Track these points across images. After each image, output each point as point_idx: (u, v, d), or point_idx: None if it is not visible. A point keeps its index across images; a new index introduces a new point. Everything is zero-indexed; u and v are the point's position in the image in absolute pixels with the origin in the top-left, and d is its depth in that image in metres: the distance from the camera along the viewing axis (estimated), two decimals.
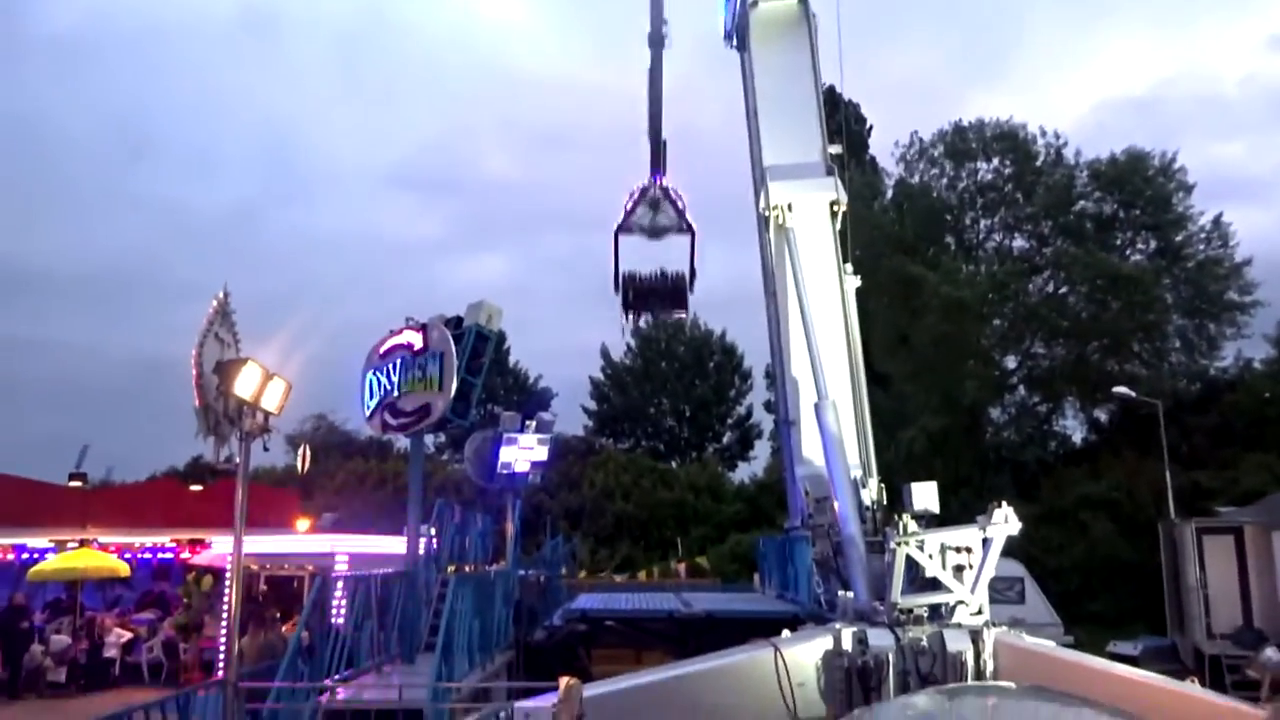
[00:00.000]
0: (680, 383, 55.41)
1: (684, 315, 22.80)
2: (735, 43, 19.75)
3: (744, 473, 53.06)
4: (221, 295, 10.09)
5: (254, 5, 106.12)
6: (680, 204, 21.40)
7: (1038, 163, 39.76)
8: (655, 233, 21.25)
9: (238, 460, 9.67)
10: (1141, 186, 37.34)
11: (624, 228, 21.18)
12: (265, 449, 9.58)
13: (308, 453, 31.39)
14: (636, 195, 21.32)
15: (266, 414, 9.19)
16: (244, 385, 9.19)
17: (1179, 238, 37.19)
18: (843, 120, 25.28)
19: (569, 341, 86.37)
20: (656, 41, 21.94)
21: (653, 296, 21.57)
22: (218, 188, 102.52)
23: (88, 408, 74.08)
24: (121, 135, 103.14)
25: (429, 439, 30.31)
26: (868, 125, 48.99)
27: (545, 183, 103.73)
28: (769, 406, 44.19)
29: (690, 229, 21.34)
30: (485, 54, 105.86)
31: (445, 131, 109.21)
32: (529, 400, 49.74)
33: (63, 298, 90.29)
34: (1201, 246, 37.03)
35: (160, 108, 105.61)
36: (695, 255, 22.74)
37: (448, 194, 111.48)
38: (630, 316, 21.83)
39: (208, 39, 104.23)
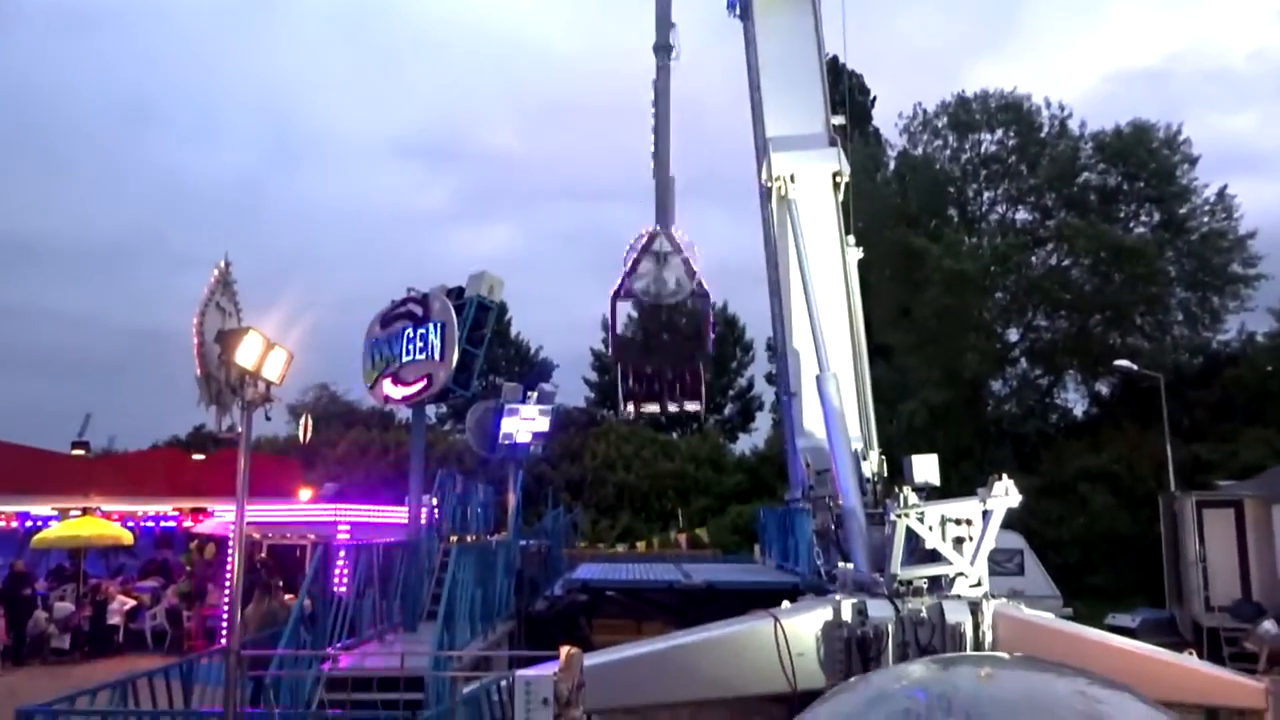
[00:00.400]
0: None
1: (700, 409, 20.22)
2: (738, 11, 19.58)
3: (745, 444, 53.13)
4: (222, 264, 10.04)
5: None
6: (693, 261, 18.68)
7: (1042, 134, 39.47)
8: (660, 299, 18.69)
9: (240, 429, 9.65)
10: (1146, 159, 37.11)
11: (622, 292, 18.76)
12: (267, 418, 9.53)
13: (309, 422, 31.47)
14: (639, 248, 18.68)
15: (268, 383, 9.16)
16: (245, 355, 9.16)
17: (1183, 210, 36.99)
18: (845, 91, 25.05)
19: (571, 313, 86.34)
20: (663, 48, 20.48)
21: (660, 386, 19.25)
22: (219, 157, 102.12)
23: (90, 377, 74.25)
24: (122, 104, 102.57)
25: (430, 410, 30.32)
26: (871, 96, 48.67)
27: (548, 154, 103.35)
28: (770, 379, 44.17)
29: (704, 294, 18.87)
30: (488, 23, 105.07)
31: (448, 101, 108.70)
32: (530, 371, 49.74)
33: (64, 267, 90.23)
34: (1205, 219, 36.85)
35: (161, 76, 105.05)
36: (711, 327, 19.92)
37: (450, 164, 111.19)
38: (632, 406, 19.70)
39: (208, 6, 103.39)
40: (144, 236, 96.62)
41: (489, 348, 18.45)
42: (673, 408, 19.65)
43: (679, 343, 19.35)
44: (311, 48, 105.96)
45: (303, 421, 31.98)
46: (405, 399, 16.58)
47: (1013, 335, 40.31)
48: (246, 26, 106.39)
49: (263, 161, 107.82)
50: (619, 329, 20.31)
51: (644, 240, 18.74)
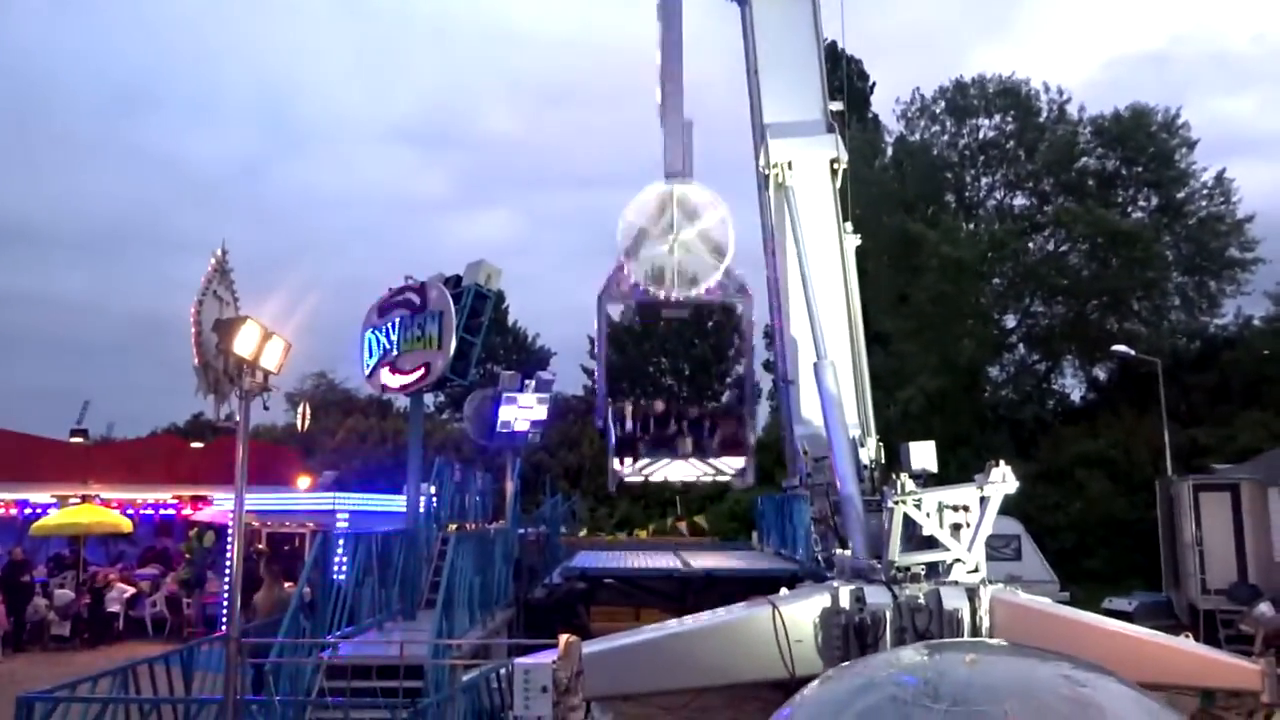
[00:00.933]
0: (679, 341, 55.35)
1: (744, 470, 14.05)
2: None
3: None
4: (219, 253, 10.04)
5: None
6: (724, 235, 13.73)
7: (1040, 119, 39.46)
8: (673, 296, 13.65)
9: (238, 418, 9.67)
10: (1144, 143, 37.10)
11: (614, 287, 13.88)
12: (265, 407, 9.56)
13: (308, 411, 31.55)
14: (643, 214, 13.53)
15: (266, 373, 9.19)
16: (243, 344, 9.18)
17: (1181, 194, 37.02)
18: (844, 77, 24.95)
19: (569, 299, 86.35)
20: None
21: (679, 430, 13.84)
22: (218, 141, 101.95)
23: (88, 363, 74.38)
24: (120, 87, 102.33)
25: (428, 398, 30.35)
26: (870, 82, 48.51)
27: (548, 139, 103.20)
28: (768, 366, 44.13)
29: (741, 288, 14.21)
30: (487, 7, 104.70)
31: (447, 87, 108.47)
32: (528, 359, 49.75)
33: (62, 251, 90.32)
34: (1203, 203, 36.87)
35: (159, 60, 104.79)
36: (747, 336, 15.10)
37: (449, 150, 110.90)
38: (627, 465, 13.84)
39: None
40: (143, 220, 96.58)
41: (486, 336, 18.42)
42: (696, 472, 13.47)
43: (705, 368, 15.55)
44: (309, 32, 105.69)
45: (300, 410, 32.07)
46: (403, 388, 16.58)
47: (1010, 321, 40.37)
48: (244, 11, 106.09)
49: (261, 146, 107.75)
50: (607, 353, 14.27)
51: (650, 206, 13.40)
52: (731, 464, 13.82)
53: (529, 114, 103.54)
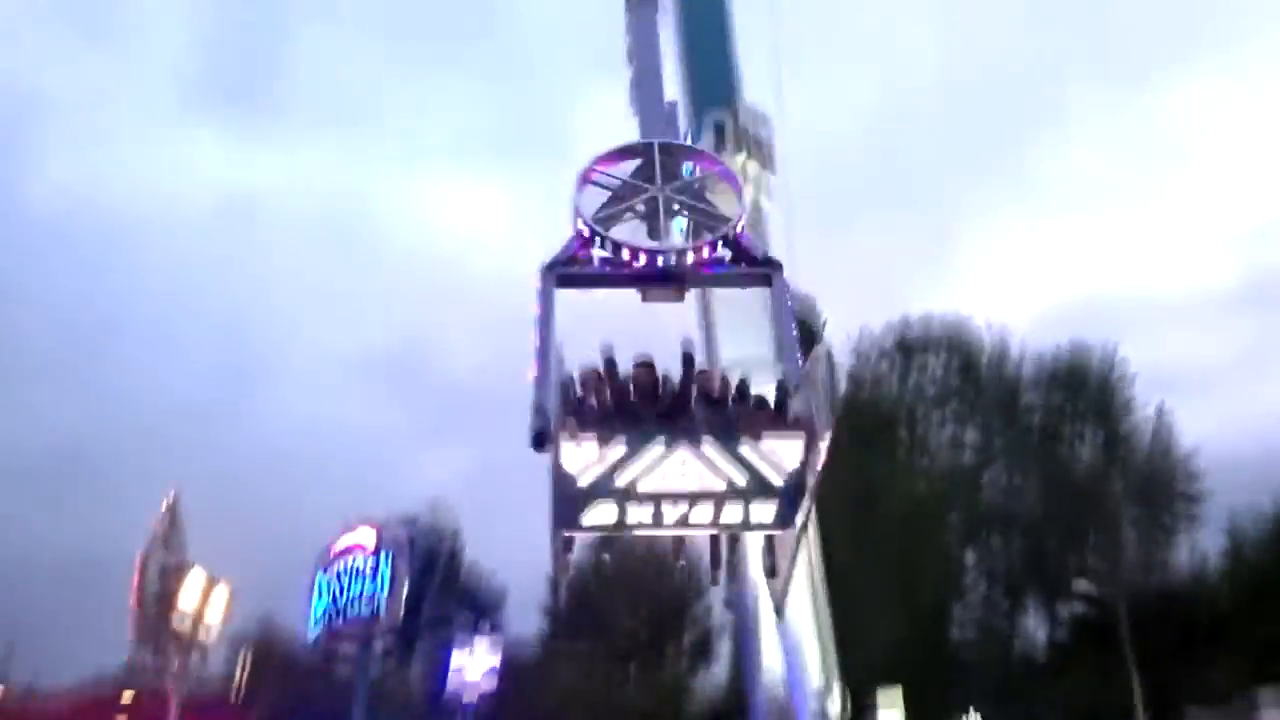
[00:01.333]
0: (641, 583, 53.92)
1: (798, 474, 8.24)
2: None
3: (706, 678, 51.06)
4: (169, 501, 9.89)
5: (231, 199, 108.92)
6: (729, 193, 9.70)
7: (984, 357, 40.77)
8: (658, 264, 9.01)
9: (172, 682, 9.22)
10: (1086, 379, 38.43)
11: (570, 263, 9.22)
12: (199, 680, 9.14)
13: (248, 664, 30.03)
14: (619, 173, 9.50)
15: (204, 646, 8.85)
16: (186, 599, 8.90)
17: (1125, 429, 37.91)
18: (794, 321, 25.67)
19: (528, 538, 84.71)
20: None
21: (677, 407, 8.33)
22: (179, 376, 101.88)
23: (17, 600, 70.51)
24: (85, 321, 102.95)
25: (378, 645, 29.17)
26: (822, 320, 49.60)
27: (506, 374, 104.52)
28: (729, 603, 42.97)
29: (772, 262, 9.48)
30: (449, 249, 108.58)
31: (406, 324, 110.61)
32: (481, 606, 48.18)
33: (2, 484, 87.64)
34: (1147, 437, 37.70)
35: (126, 295, 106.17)
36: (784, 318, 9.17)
37: (408, 384, 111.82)
38: (595, 451, 7.72)
39: (181, 231, 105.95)
40: (94, 455, 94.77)
41: (441, 580, 18.04)
42: (716, 476, 7.74)
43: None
44: (277, 270, 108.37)
45: (240, 661, 30.55)
46: (348, 656, 16.02)
47: (969, 560, 40.03)
48: (215, 244, 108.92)
49: (220, 382, 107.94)
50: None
51: (625, 163, 9.38)
52: (783, 453, 7.71)
53: (488, 350, 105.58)
